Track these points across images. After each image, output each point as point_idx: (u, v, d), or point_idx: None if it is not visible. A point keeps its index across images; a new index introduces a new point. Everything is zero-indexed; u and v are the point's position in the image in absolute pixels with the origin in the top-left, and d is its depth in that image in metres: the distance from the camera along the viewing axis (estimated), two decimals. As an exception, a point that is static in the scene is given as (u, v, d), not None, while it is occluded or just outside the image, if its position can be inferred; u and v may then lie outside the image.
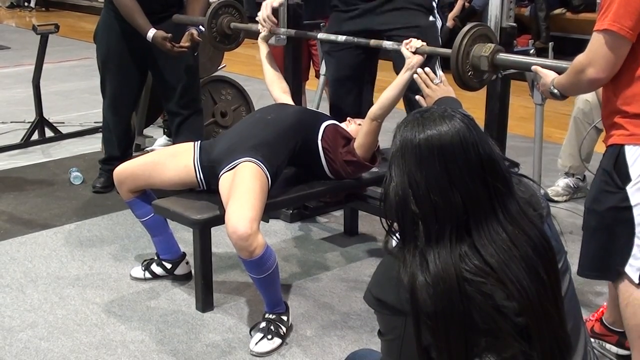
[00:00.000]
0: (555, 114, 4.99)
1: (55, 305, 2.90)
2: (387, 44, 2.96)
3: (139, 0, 3.70)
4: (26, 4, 13.84)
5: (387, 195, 1.45)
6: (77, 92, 6.66)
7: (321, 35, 3.39)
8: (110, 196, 3.98)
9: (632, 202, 2.13)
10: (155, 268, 3.09)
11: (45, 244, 3.46)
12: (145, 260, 3.14)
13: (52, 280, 3.11)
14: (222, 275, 3.12)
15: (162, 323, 2.78)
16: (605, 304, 2.61)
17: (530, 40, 7.62)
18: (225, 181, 2.69)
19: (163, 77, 3.98)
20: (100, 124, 4.45)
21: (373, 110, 2.88)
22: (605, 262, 2.25)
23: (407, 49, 2.75)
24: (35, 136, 4.97)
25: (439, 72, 3.10)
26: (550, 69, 2.41)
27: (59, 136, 5.10)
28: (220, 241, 3.18)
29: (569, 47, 5.92)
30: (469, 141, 1.40)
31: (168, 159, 2.89)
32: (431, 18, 3.26)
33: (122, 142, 4.13)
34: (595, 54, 2.08)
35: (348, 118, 3.16)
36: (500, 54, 2.47)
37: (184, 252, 3.11)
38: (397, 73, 2.87)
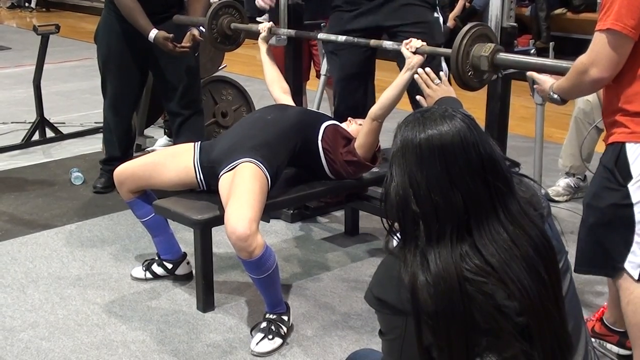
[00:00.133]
0: (556, 113, 4.99)
1: (56, 306, 2.91)
2: (387, 44, 2.96)
3: (140, 0, 3.70)
4: (27, 4, 13.85)
5: (387, 195, 1.45)
6: (78, 93, 6.67)
7: (321, 35, 3.39)
8: (111, 196, 3.98)
9: (633, 199, 2.13)
10: (156, 268, 3.10)
11: (46, 244, 3.47)
12: (146, 261, 3.14)
13: (53, 280, 3.11)
14: (222, 275, 3.12)
15: (163, 323, 2.78)
16: (605, 303, 2.61)
17: (530, 40, 7.63)
18: (225, 182, 2.69)
19: (164, 77, 3.98)
20: (101, 125, 4.46)
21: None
22: (602, 258, 2.25)
23: (407, 49, 2.75)
24: (36, 136, 4.98)
25: (444, 66, 3.11)
26: (550, 69, 2.41)
27: (60, 136, 5.10)
28: (221, 241, 3.18)
29: (569, 47, 5.91)
30: (470, 141, 1.41)
31: (168, 160, 2.89)
32: (435, 14, 3.27)
33: (122, 142, 4.13)
34: (598, 54, 2.08)
35: (349, 118, 3.16)
36: (500, 54, 2.47)
37: (184, 252, 3.11)
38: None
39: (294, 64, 3.60)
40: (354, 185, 3.14)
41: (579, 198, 3.96)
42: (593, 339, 2.48)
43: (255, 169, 2.66)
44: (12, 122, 5.51)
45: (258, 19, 3.63)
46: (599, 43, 2.08)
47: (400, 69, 2.82)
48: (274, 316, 2.64)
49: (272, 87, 3.27)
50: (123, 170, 2.92)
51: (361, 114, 3.14)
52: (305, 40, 3.96)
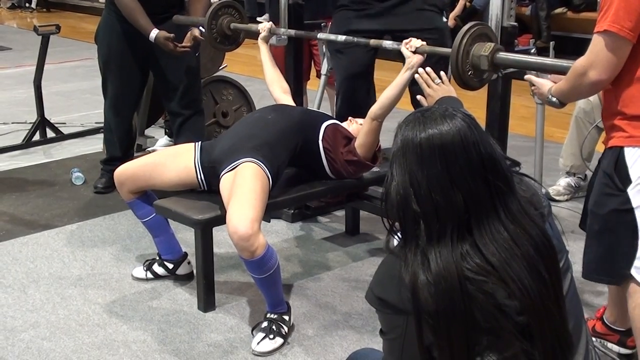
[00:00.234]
0: (557, 113, 4.96)
1: (57, 306, 2.91)
2: (387, 43, 2.97)
3: (141, 0, 3.70)
4: (27, 4, 13.85)
5: (388, 195, 1.45)
6: (79, 93, 6.67)
7: (321, 35, 3.39)
8: (111, 196, 3.98)
9: (634, 204, 2.13)
10: (157, 268, 3.10)
11: (47, 245, 3.47)
12: (147, 261, 3.14)
13: (54, 280, 3.12)
14: (223, 275, 3.12)
15: (164, 323, 2.78)
16: (605, 303, 2.61)
17: (531, 40, 7.62)
18: (226, 182, 2.69)
19: (164, 77, 3.98)
20: (102, 125, 4.46)
21: (373, 110, 2.88)
22: (610, 265, 2.24)
23: (407, 48, 2.75)
24: (36, 137, 4.98)
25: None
26: (550, 68, 2.40)
27: (61, 137, 5.10)
28: (222, 241, 3.18)
29: (570, 46, 5.92)
30: (470, 140, 1.41)
31: (169, 160, 2.89)
32: (444, 19, 3.28)
33: (123, 142, 4.14)
34: (597, 56, 2.08)
35: (349, 117, 3.16)
36: (500, 53, 2.47)
37: (185, 252, 3.11)
38: None
39: (295, 64, 3.61)
40: (354, 185, 3.14)
41: (579, 197, 3.96)
42: (594, 338, 2.49)
43: (257, 168, 2.66)
44: (12, 123, 5.52)
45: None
46: (597, 45, 2.08)
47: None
48: (275, 316, 2.65)
49: (272, 87, 3.27)
50: (123, 171, 2.92)
51: (364, 113, 3.14)
52: (305, 40, 3.96)
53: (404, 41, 2.78)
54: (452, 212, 1.39)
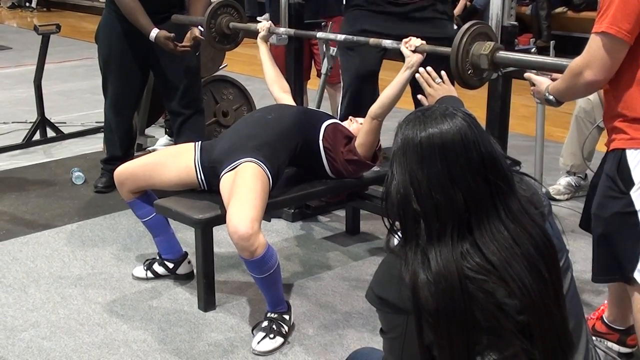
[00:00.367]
0: (557, 112, 4.96)
1: (57, 305, 2.91)
2: (387, 42, 2.97)
3: (141, 0, 3.70)
4: (27, 4, 13.86)
5: (388, 194, 1.45)
6: (79, 92, 6.67)
7: (320, 35, 3.39)
8: (112, 196, 3.98)
9: (637, 206, 2.12)
10: (157, 267, 3.10)
11: (47, 244, 3.47)
12: (147, 260, 3.14)
13: (54, 280, 3.12)
14: (224, 275, 3.13)
15: (164, 322, 2.78)
16: (605, 302, 2.61)
17: (531, 39, 7.63)
18: (226, 182, 2.69)
19: (165, 77, 3.98)
20: (102, 124, 4.46)
21: (373, 109, 2.88)
22: (616, 267, 2.23)
23: (407, 47, 2.75)
24: (36, 136, 4.98)
25: None
26: (550, 67, 2.40)
27: (61, 136, 5.11)
28: (222, 240, 3.18)
29: (570, 45, 5.91)
30: (470, 139, 1.41)
31: (169, 160, 2.89)
32: (454, 26, 3.28)
33: (123, 142, 4.14)
34: (593, 57, 2.07)
35: (350, 117, 3.16)
36: (500, 52, 2.47)
37: (185, 252, 3.11)
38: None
39: (295, 63, 3.60)
40: (354, 184, 3.14)
41: (579, 197, 3.97)
42: (594, 337, 2.49)
43: (257, 168, 2.66)
44: (13, 122, 5.52)
45: (258, 18, 3.63)
46: (594, 45, 2.07)
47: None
48: (275, 315, 2.65)
49: (272, 87, 3.27)
50: (123, 171, 2.92)
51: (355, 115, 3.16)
52: (306, 40, 3.96)
53: (404, 40, 2.78)
54: (452, 211, 1.39)
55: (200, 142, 2.95)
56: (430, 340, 1.40)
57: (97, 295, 2.98)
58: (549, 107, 3.48)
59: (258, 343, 2.59)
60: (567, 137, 3.96)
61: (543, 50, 5.25)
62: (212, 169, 2.81)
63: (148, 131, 4.90)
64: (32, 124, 5.01)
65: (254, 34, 3.45)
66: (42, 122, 4.99)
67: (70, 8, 13.43)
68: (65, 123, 5.40)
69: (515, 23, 2.71)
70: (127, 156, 4.03)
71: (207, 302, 2.86)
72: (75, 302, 2.93)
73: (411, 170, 1.41)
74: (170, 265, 3.09)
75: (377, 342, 1.96)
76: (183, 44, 3.75)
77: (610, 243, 2.21)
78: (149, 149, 4.67)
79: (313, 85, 4.56)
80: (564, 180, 4.00)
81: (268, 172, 2.68)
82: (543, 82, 2.33)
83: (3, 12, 13.67)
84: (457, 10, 7.85)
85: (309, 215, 3.73)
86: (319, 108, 4.01)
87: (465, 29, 2.47)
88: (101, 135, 4.66)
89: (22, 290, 3.03)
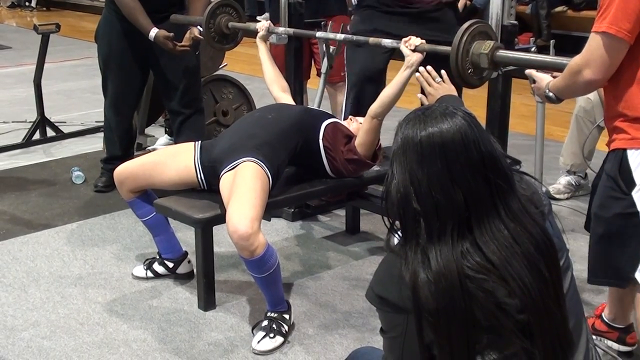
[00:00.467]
0: (557, 112, 4.98)
1: (57, 305, 2.91)
2: (386, 41, 2.97)
3: (141, -1, 3.71)
4: (27, 3, 13.86)
5: (388, 193, 1.45)
6: (79, 92, 6.67)
7: (320, 34, 3.39)
8: (112, 195, 3.98)
9: (639, 207, 2.12)
10: (157, 267, 3.10)
11: (47, 244, 3.47)
12: (147, 259, 3.14)
13: (54, 279, 3.12)
14: (224, 274, 3.12)
15: (164, 322, 2.78)
16: (605, 301, 2.61)
17: (531, 38, 7.61)
18: (226, 181, 2.69)
19: (164, 76, 3.98)
20: (102, 123, 4.46)
21: (373, 108, 2.88)
22: (615, 269, 2.23)
23: (407, 46, 2.75)
24: (36, 136, 4.98)
25: None
26: (550, 67, 2.40)
27: (61, 136, 5.10)
28: (222, 240, 3.18)
29: (570, 44, 5.91)
30: (471, 138, 1.41)
31: (169, 159, 2.89)
32: None
33: (123, 141, 4.14)
34: (592, 56, 2.07)
35: (350, 116, 3.17)
36: (500, 51, 2.47)
37: (185, 251, 3.11)
38: None
39: (295, 63, 3.60)
40: (354, 184, 3.14)
41: (579, 196, 3.97)
42: (593, 337, 2.49)
43: (257, 168, 2.66)
44: (12, 122, 5.52)
45: (258, 17, 3.63)
46: (593, 45, 2.07)
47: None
48: (275, 315, 2.65)
49: (272, 87, 3.27)
50: (123, 170, 2.92)
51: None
52: (306, 39, 3.96)
53: (403, 39, 2.78)
54: (452, 211, 1.39)
55: (200, 141, 2.95)
56: (430, 340, 1.40)
57: (97, 295, 2.98)
58: (548, 106, 3.49)
59: (258, 342, 2.58)
60: (567, 137, 3.96)
61: (543, 50, 5.24)
62: (212, 168, 2.81)
63: (148, 130, 4.89)
64: (32, 123, 5.01)
65: (253, 33, 3.45)
66: (42, 122, 4.98)
67: (69, 7, 13.43)
68: (65, 122, 5.39)
69: (515, 22, 2.71)
70: (127, 155, 4.02)
71: (207, 301, 2.86)
72: (75, 302, 2.93)
73: (411, 169, 1.41)
74: (170, 265, 3.09)
75: (377, 342, 1.96)
76: (182, 43, 3.74)
77: (610, 244, 2.21)
78: (148, 148, 4.67)
79: (313, 84, 4.56)
80: (564, 180, 4.00)
81: (268, 172, 2.68)
82: (544, 79, 2.33)
83: (3, 12, 13.66)
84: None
85: (309, 215, 3.73)
86: (319, 107, 4.01)
87: (465, 28, 2.47)
88: (101, 134, 4.66)
89: (22, 289, 3.03)
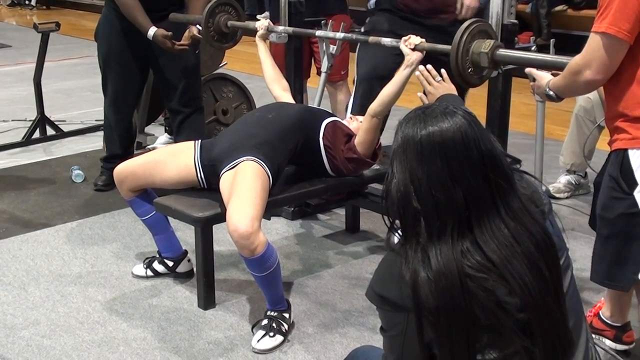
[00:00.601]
0: (557, 111, 4.98)
1: (57, 303, 2.91)
2: (386, 40, 2.97)
3: (140, -2, 3.71)
4: (27, 2, 13.85)
5: (389, 192, 1.45)
6: (79, 90, 6.67)
7: (319, 33, 3.39)
8: (111, 194, 3.97)
9: None
10: (157, 266, 3.10)
11: (47, 242, 3.47)
12: (147, 258, 3.14)
13: (54, 278, 3.12)
14: (223, 273, 3.12)
15: (164, 321, 2.78)
16: (602, 299, 2.61)
17: (531, 37, 7.61)
18: (226, 180, 2.68)
19: (164, 75, 3.98)
20: (102, 122, 4.46)
21: (373, 107, 2.88)
22: (619, 270, 2.23)
23: (407, 45, 2.75)
24: (36, 134, 4.98)
25: None
26: (550, 66, 2.40)
27: (60, 134, 5.10)
28: (222, 239, 3.18)
29: (570, 44, 5.90)
30: (471, 137, 1.41)
31: (169, 158, 2.89)
32: None
33: (123, 140, 4.13)
34: (592, 56, 2.07)
35: (350, 115, 3.16)
36: (500, 50, 2.47)
37: (185, 250, 3.11)
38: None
39: (295, 62, 3.60)
40: (354, 183, 3.14)
41: (579, 195, 3.97)
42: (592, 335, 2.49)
43: (257, 167, 2.66)
44: (12, 120, 5.52)
45: (258, 16, 3.62)
46: (593, 45, 2.07)
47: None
48: (275, 313, 2.65)
49: (272, 86, 3.27)
50: (123, 169, 2.92)
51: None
52: (306, 38, 3.96)
53: (403, 38, 2.78)
54: (452, 210, 1.39)
55: (200, 140, 2.95)
56: (430, 338, 1.40)
57: (96, 294, 2.98)
58: (548, 105, 3.49)
59: (258, 341, 2.59)
60: (567, 136, 3.96)
61: (543, 49, 5.23)
62: (212, 167, 2.81)
63: (148, 129, 4.89)
64: (31, 122, 5.01)
65: (253, 32, 3.44)
66: (42, 120, 4.98)
67: (69, 6, 13.41)
68: (65, 121, 5.39)
69: (515, 21, 2.71)
70: (127, 154, 4.02)
71: (207, 300, 2.86)
72: (75, 301, 2.93)
73: (411, 168, 1.41)
74: (170, 264, 3.09)
75: (377, 341, 1.96)
76: (181, 42, 3.74)
77: (614, 245, 2.21)
78: (148, 147, 4.67)
79: (313, 83, 4.56)
80: (563, 179, 4.00)
81: (268, 171, 2.68)
82: (544, 77, 2.33)
83: (2, 10, 13.65)
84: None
85: (309, 214, 3.73)
86: (319, 106, 4.01)
87: (465, 27, 2.47)
88: (101, 133, 4.66)
89: (21, 288, 3.03)
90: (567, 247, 1.58)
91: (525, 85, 3.38)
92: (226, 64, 5.01)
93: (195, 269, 3.00)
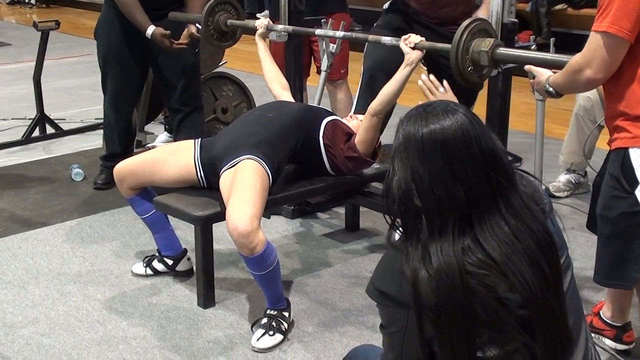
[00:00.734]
0: (557, 110, 4.99)
1: (56, 302, 2.91)
2: (386, 39, 2.96)
3: (139, -4, 3.70)
4: (27, 0, 13.83)
5: (390, 189, 1.45)
6: (78, 89, 6.66)
7: (319, 32, 3.39)
8: (111, 193, 3.97)
9: None
10: (156, 264, 3.10)
11: (47, 241, 3.47)
12: (146, 257, 3.14)
13: (53, 276, 3.12)
14: (223, 272, 3.12)
15: (163, 319, 2.78)
16: (603, 299, 2.61)
17: (531, 36, 7.61)
18: (226, 179, 2.68)
19: (164, 74, 3.98)
20: (101, 121, 4.46)
21: (373, 106, 2.88)
22: (621, 269, 2.23)
23: (406, 44, 2.74)
24: (36, 133, 4.97)
25: None
26: (550, 64, 2.40)
27: (60, 133, 5.10)
28: (222, 237, 3.18)
29: (570, 42, 5.90)
30: (472, 135, 1.41)
31: (168, 157, 2.89)
32: None
33: (123, 138, 4.13)
34: (593, 55, 2.07)
35: (350, 114, 3.16)
36: (500, 49, 2.47)
37: (185, 249, 3.11)
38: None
39: (295, 60, 3.60)
40: (354, 181, 3.14)
41: (579, 194, 3.97)
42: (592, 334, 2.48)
43: (257, 165, 2.66)
44: (12, 119, 5.51)
45: (258, 15, 3.62)
46: (594, 44, 2.07)
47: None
48: (275, 312, 2.65)
49: (272, 84, 3.27)
50: (123, 168, 2.92)
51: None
52: (305, 36, 3.96)
53: (403, 37, 2.78)
54: (453, 207, 1.39)
55: (199, 139, 2.94)
56: (430, 335, 1.40)
57: (96, 292, 2.98)
58: (548, 104, 3.49)
59: (257, 340, 2.58)
60: (567, 135, 3.96)
61: (543, 47, 5.24)
62: (211, 166, 2.81)
63: (147, 128, 4.89)
64: (31, 120, 5.01)
65: (253, 31, 3.44)
66: (42, 119, 4.98)
67: (69, 4, 13.40)
68: (64, 120, 5.38)
69: (515, 20, 2.71)
70: (127, 153, 4.01)
71: (207, 299, 2.86)
72: (75, 299, 2.93)
73: (413, 165, 1.42)
74: (170, 262, 3.09)
75: (376, 340, 1.96)
76: (179, 41, 3.74)
77: (616, 244, 2.21)
78: (148, 145, 4.67)
79: (312, 82, 4.56)
80: (563, 178, 4.00)
81: (268, 170, 2.68)
82: (544, 73, 2.32)
83: (2, 8, 13.64)
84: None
85: (309, 212, 3.73)
86: (319, 105, 4.01)
87: (465, 26, 2.47)
88: (100, 132, 4.65)
89: (21, 287, 3.03)
90: (568, 247, 1.58)
91: (525, 84, 3.38)
92: (226, 62, 5.01)
93: (194, 268, 2.99)
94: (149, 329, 2.71)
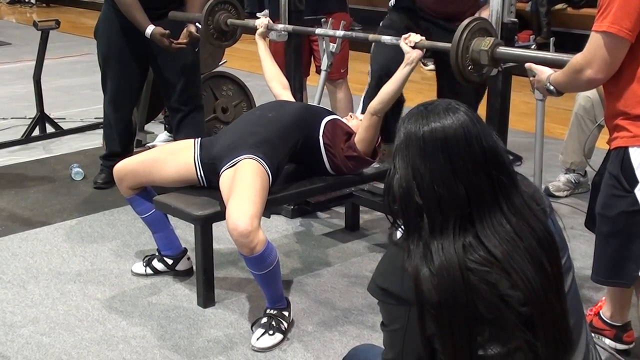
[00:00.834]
0: (557, 109, 4.98)
1: (56, 301, 2.91)
2: (386, 38, 2.96)
3: (139, -4, 3.70)
4: (27, -1, 13.83)
5: (391, 188, 1.46)
6: (78, 88, 6.66)
7: (319, 31, 3.39)
8: (111, 192, 3.97)
9: None
10: (156, 264, 3.10)
11: (47, 240, 3.47)
12: (146, 256, 3.14)
13: (53, 276, 3.12)
14: (223, 271, 3.12)
15: (163, 319, 2.78)
16: (603, 298, 2.61)
17: (531, 36, 7.61)
18: (226, 178, 2.68)
19: (164, 73, 3.98)
20: (101, 120, 4.46)
21: (373, 105, 2.88)
22: (619, 268, 2.23)
23: (406, 43, 2.74)
24: (36, 132, 4.98)
25: None
26: (550, 63, 2.40)
27: (60, 132, 5.10)
28: (222, 237, 3.18)
29: (570, 42, 5.90)
30: (473, 134, 1.41)
31: (168, 156, 2.89)
32: None
33: (123, 138, 4.13)
34: (594, 55, 2.07)
35: (350, 113, 3.17)
36: (500, 48, 2.47)
37: (185, 248, 3.11)
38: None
39: (295, 60, 3.60)
40: (354, 181, 3.14)
41: (579, 193, 3.97)
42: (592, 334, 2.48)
43: (257, 165, 2.66)
44: (12, 118, 5.51)
45: (258, 14, 3.63)
46: (594, 44, 2.07)
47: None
48: (275, 312, 2.65)
49: (272, 84, 3.27)
50: (123, 167, 2.92)
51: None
52: (305, 36, 3.96)
53: (403, 36, 2.78)
54: (454, 205, 1.39)
55: (199, 138, 2.94)
56: (432, 332, 1.40)
57: (96, 292, 2.98)
58: (548, 104, 3.48)
59: (257, 339, 2.58)
60: (566, 135, 3.95)
61: (543, 47, 5.23)
62: (211, 165, 2.81)
63: (147, 127, 4.89)
64: (31, 119, 5.01)
65: (253, 30, 3.44)
66: (42, 118, 4.98)
67: (69, 4, 13.39)
68: (64, 119, 5.38)
69: (515, 20, 2.71)
70: (127, 152, 4.01)
71: (207, 298, 2.86)
72: (75, 298, 2.93)
73: (414, 164, 1.42)
74: (170, 262, 3.09)
75: (376, 339, 1.96)
76: (179, 41, 3.74)
77: (615, 243, 2.20)
78: (148, 145, 4.67)
79: (312, 81, 4.56)
80: (563, 177, 4.00)
81: (268, 169, 2.68)
82: (544, 71, 2.32)
83: (2, 8, 13.63)
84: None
85: (309, 212, 3.73)
86: (319, 105, 4.01)
87: (465, 25, 2.47)
88: (100, 131, 4.65)
89: (21, 286, 3.03)
90: (569, 248, 1.58)
91: (525, 83, 3.37)
92: (226, 62, 5.01)
93: (194, 267, 2.99)
94: (148, 329, 2.71)
